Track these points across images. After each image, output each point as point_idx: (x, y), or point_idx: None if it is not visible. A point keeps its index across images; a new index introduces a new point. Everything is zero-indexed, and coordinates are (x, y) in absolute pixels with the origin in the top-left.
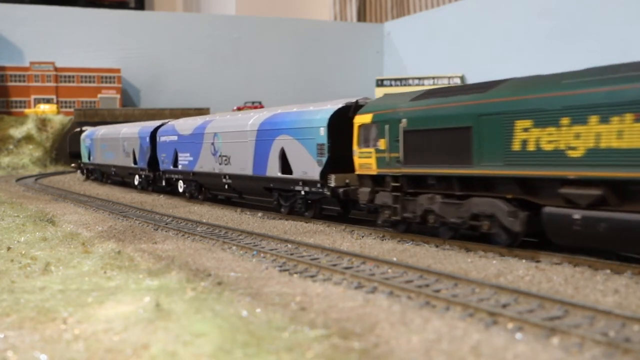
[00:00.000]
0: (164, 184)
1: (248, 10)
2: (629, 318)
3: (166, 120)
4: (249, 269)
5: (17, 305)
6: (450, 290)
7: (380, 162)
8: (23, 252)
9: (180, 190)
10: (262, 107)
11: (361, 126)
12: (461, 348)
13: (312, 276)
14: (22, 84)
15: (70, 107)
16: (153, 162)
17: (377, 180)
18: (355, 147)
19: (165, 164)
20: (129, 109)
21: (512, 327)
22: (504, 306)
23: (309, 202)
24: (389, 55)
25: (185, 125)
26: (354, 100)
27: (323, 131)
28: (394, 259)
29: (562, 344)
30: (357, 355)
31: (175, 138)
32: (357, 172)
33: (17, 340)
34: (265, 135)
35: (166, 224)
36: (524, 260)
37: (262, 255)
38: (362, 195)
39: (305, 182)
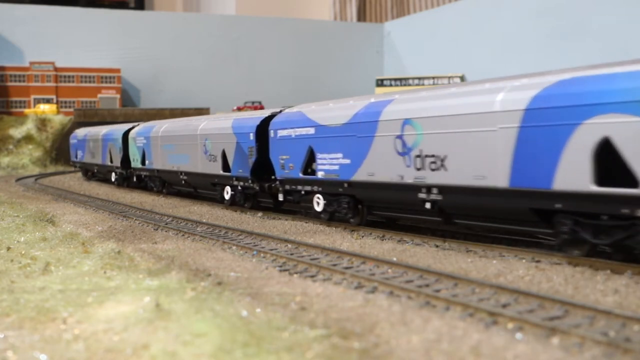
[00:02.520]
0: (296, 200)
1: (248, 10)
2: (629, 318)
3: (282, 108)
4: (249, 268)
5: (17, 305)
6: (450, 290)
7: None
8: (23, 252)
9: (319, 208)
10: (262, 107)
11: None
12: (461, 348)
13: (312, 276)
14: (22, 84)
15: (70, 107)
16: (260, 168)
17: None
18: None
19: (289, 170)
20: (129, 109)
21: (512, 327)
22: (504, 306)
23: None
24: (389, 55)
25: (333, 112)
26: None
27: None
28: (394, 259)
29: (562, 343)
30: (357, 355)
31: (310, 131)
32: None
33: (17, 340)
34: None
35: (166, 224)
36: (524, 260)
37: (262, 255)
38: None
39: None
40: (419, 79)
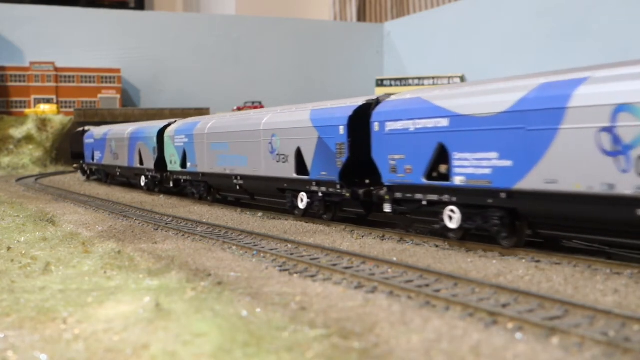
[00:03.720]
0: (410, 212)
1: (248, 10)
2: (629, 318)
3: (377, 97)
4: (249, 268)
5: (17, 305)
6: (450, 290)
7: None
8: (23, 252)
9: (452, 224)
10: (262, 107)
11: None
12: (461, 348)
13: (312, 276)
14: (22, 84)
15: (70, 107)
16: (349, 172)
17: None
18: None
19: (405, 173)
20: (129, 109)
21: (512, 327)
22: (504, 306)
23: None
24: (389, 55)
25: (480, 97)
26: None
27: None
28: (394, 258)
29: (562, 343)
30: (357, 355)
31: (442, 123)
32: None
33: (17, 340)
34: None
35: (166, 224)
36: (524, 260)
37: (262, 255)
38: None
39: None
40: (419, 79)
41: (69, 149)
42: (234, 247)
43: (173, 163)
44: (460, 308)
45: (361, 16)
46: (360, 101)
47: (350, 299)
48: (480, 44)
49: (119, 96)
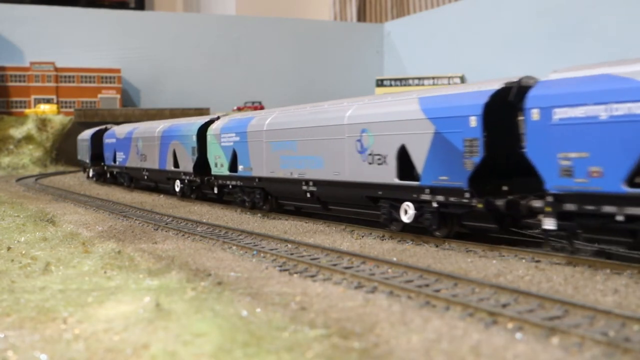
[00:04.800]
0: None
1: (248, 10)
2: (629, 318)
3: (518, 79)
4: (249, 268)
5: (17, 305)
6: (450, 290)
7: None
8: (23, 252)
9: None
10: (262, 107)
11: None
12: (461, 348)
13: (312, 276)
14: (22, 84)
15: (70, 107)
16: (481, 176)
17: None
18: None
19: (589, 178)
20: (129, 109)
21: (512, 327)
22: (504, 306)
23: None
24: (389, 55)
25: None
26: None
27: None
28: (394, 258)
29: (562, 343)
30: (357, 355)
31: (638, 114)
32: None
33: (17, 340)
34: None
35: (166, 224)
36: (523, 260)
37: (262, 255)
38: None
39: None
40: (419, 79)
41: (68, 149)
42: (234, 247)
43: (219, 166)
44: (460, 308)
45: (361, 16)
46: (496, 85)
47: (350, 299)
48: (480, 44)
49: (119, 96)
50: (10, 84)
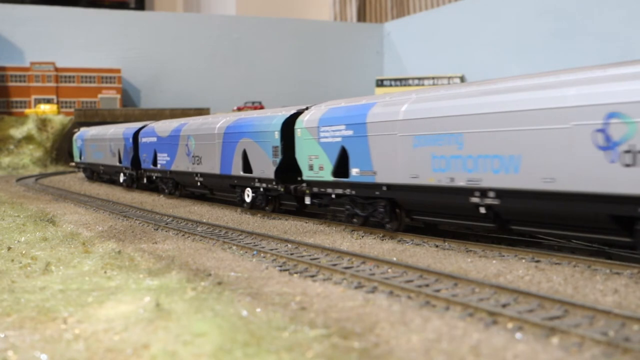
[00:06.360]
0: None
1: (248, 10)
2: (629, 318)
3: None
4: (249, 268)
5: (17, 305)
6: (450, 290)
7: None
8: (23, 252)
9: None
10: (262, 107)
11: None
12: (461, 348)
13: (312, 276)
14: (22, 84)
15: (70, 107)
16: None
17: None
18: None
19: None
20: (129, 109)
21: (512, 327)
22: (504, 306)
23: None
24: (389, 55)
25: None
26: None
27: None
28: (394, 258)
29: (561, 343)
30: (357, 355)
31: None
32: None
33: (17, 340)
34: None
35: (166, 223)
36: (523, 260)
37: (262, 255)
38: None
39: None
40: (419, 79)
41: (67, 149)
42: (234, 247)
43: (316, 169)
44: (460, 308)
45: (361, 16)
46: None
47: (350, 299)
48: (480, 44)
49: (119, 96)
50: (10, 84)
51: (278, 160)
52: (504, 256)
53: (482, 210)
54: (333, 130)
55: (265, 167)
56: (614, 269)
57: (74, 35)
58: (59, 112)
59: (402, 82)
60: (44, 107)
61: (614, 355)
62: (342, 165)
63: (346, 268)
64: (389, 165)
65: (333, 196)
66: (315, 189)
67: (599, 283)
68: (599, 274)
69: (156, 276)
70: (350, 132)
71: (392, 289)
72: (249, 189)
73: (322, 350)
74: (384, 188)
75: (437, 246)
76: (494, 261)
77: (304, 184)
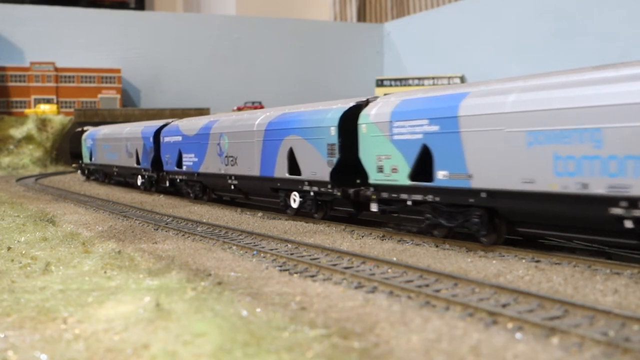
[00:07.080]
0: None
1: (248, 10)
2: (629, 318)
3: None
4: (249, 268)
5: (17, 305)
6: (450, 290)
7: None
8: (23, 252)
9: None
10: (262, 107)
11: None
12: (461, 348)
13: (312, 276)
14: (22, 84)
15: (70, 107)
16: None
17: None
18: None
19: None
20: (129, 109)
21: (512, 327)
22: (504, 306)
23: None
24: (389, 55)
25: None
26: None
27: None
28: (394, 258)
29: (561, 343)
30: (357, 355)
31: None
32: None
33: (17, 340)
34: None
35: (166, 224)
36: (523, 260)
37: (262, 255)
38: None
39: None
40: (419, 79)
41: (68, 149)
42: (234, 247)
43: (388, 171)
44: (460, 308)
45: (361, 16)
46: None
47: (350, 299)
48: (480, 44)
49: (119, 96)
50: (10, 84)
51: (335, 160)
52: (504, 256)
53: (629, 224)
54: (411, 126)
55: (317, 168)
56: (614, 269)
57: (74, 35)
58: (58, 112)
59: (402, 82)
60: (44, 107)
61: (614, 355)
62: (422, 166)
63: (346, 268)
64: (490, 168)
65: (409, 203)
66: (384, 194)
67: (599, 283)
68: (599, 274)
69: (156, 276)
70: (435, 128)
71: (392, 289)
72: (295, 192)
73: (322, 350)
74: (483, 195)
75: (437, 246)
76: (494, 261)
77: (371, 188)
